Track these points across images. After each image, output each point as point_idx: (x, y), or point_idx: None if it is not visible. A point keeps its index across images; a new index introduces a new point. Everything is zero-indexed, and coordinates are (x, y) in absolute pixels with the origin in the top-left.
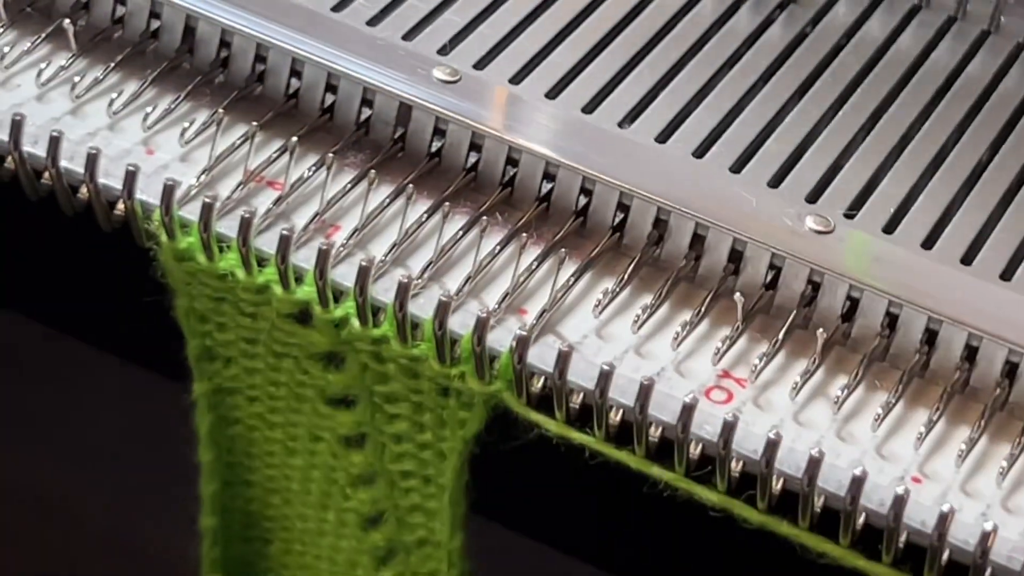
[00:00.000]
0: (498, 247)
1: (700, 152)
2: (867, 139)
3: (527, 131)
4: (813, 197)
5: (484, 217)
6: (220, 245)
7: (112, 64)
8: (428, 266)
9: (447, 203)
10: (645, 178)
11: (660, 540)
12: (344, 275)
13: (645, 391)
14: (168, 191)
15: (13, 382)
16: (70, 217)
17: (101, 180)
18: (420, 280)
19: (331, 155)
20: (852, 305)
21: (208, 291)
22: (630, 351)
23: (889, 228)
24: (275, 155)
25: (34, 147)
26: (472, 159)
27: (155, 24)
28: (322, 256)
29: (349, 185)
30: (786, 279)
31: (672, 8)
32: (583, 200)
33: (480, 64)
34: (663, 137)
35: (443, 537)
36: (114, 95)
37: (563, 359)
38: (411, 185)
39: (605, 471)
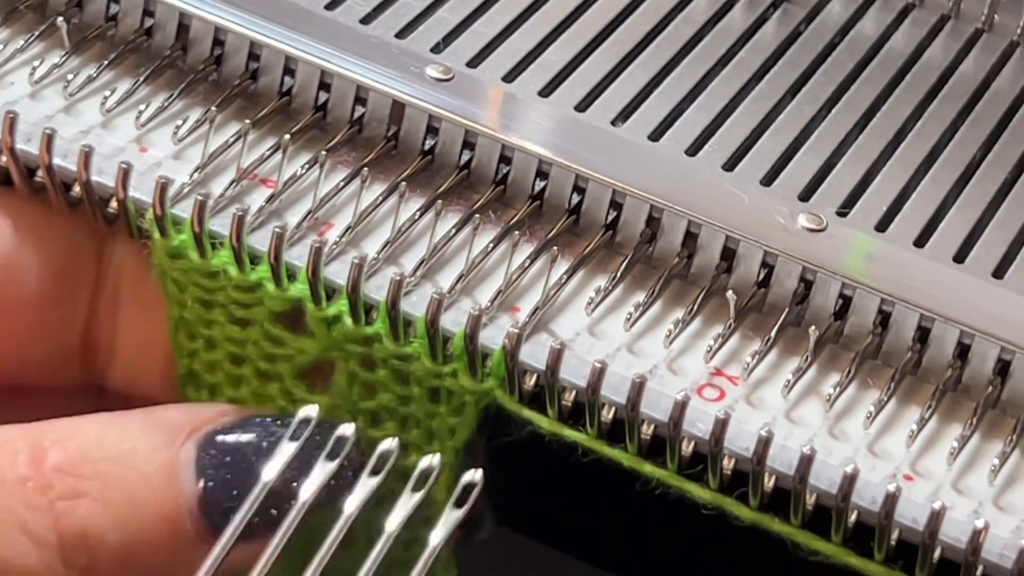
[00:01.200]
0: (491, 245)
1: (693, 150)
2: (860, 137)
3: (520, 129)
4: (806, 195)
5: (477, 215)
6: (213, 242)
7: (105, 62)
8: (421, 264)
9: (440, 201)
10: (638, 176)
11: (651, 537)
12: (337, 273)
13: (637, 389)
14: (161, 189)
15: None
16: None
17: (94, 178)
18: (413, 278)
19: (324, 153)
20: (844, 303)
21: (199, 293)
22: (622, 349)
23: (882, 226)
24: (268, 153)
25: (27, 144)
26: (465, 157)
27: (149, 22)
28: (315, 253)
29: (342, 183)
30: (778, 277)
31: (666, 6)
32: (576, 198)
33: (473, 62)
34: (656, 135)
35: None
36: (107, 93)
37: (555, 357)
38: (404, 183)
39: (597, 468)
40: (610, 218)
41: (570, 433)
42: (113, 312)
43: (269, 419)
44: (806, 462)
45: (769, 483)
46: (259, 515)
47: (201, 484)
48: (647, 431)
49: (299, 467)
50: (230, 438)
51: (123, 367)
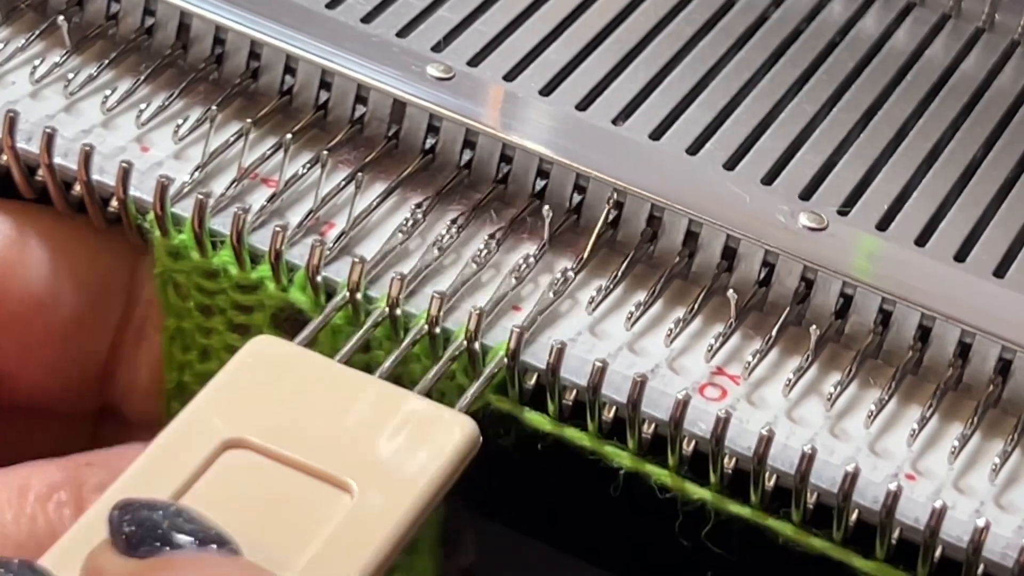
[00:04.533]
0: (492, 245)
1: (694, 149)
2: (861, 136)
3: (521, 128)
4: (807, 194)
5: (477, 215)
6: (213, 241)
7: (106, 61)
8: (421, 264)
9: (441, 200)
10: (639, 175)
11: (650, 536)
12: (338, 272)
13: (638, 388)
14: (162, 188)
15: None
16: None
17: (95, 177)
18: (413, 279)
19: (325, 152)
20: (845, 302)
21: (200, 298)
22: (623, 348)
23: (883, 225)
24: (269, 152)
25: (28, 144)
26: (466, 156)
27: (149, 21)
28: (315, 253)
29: (343, 182)
30: (779, 276)
31: (666, 6)
32: (577, 197)
33: (474, 61)
34: (657, 134)
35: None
36: (108, 92)
37: (556, 356)
38: (404, 183)
39: (596, 468)
40: (611, 217)
41: (571, 432)
42: (136, 346)
43: None
44: (807, 461)
45: (770, 482)
46: None
47: None
48: (648, 430)
49: None
50: None
51: (142, 399)
